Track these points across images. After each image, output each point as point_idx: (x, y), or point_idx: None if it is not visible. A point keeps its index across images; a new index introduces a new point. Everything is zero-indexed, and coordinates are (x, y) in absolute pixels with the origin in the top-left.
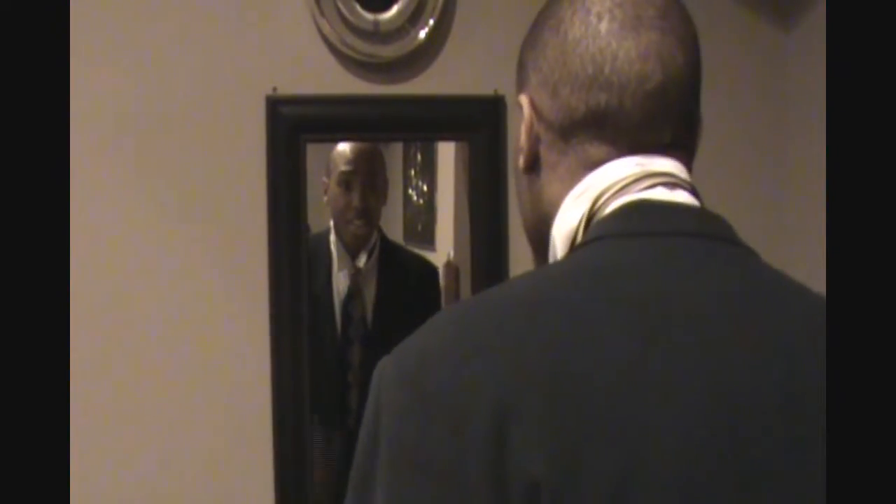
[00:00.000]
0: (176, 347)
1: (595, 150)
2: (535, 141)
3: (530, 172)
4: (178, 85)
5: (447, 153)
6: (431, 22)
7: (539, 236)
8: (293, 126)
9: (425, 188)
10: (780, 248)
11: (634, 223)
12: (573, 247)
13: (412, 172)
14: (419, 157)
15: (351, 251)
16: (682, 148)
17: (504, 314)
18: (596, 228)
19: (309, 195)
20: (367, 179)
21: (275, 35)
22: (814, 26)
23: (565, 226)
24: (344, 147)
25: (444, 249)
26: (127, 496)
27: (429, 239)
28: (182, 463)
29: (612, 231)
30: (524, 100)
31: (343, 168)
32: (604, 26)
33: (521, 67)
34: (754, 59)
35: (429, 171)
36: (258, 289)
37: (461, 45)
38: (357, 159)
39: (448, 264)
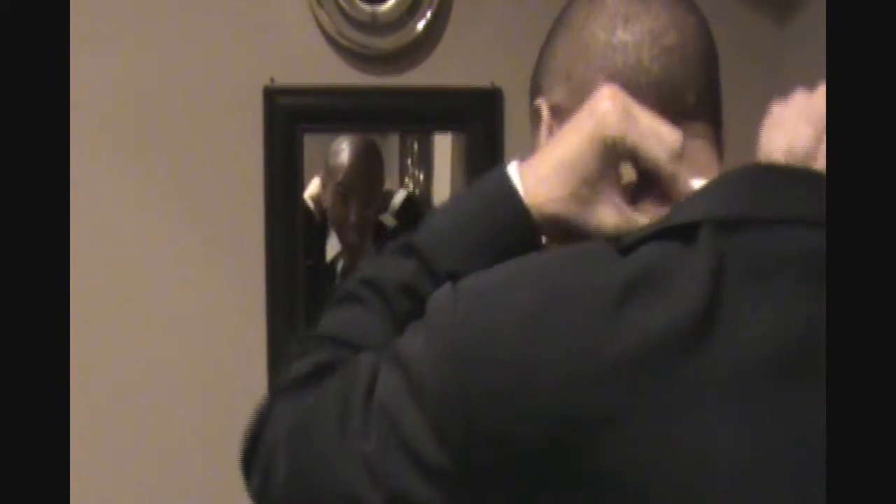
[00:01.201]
0: (172, 337)
1: None
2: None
3: None
4: (175, 75)
5: (444, 143)
6: (429, 14)
7: (566, 233)
8: (290, 116)
9: (422, 178)
10: None
11: (750, 203)
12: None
13: (409, 162)
14: (416, 147)
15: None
16: (708, 118)
17: (594, 295)
18: (698, 203)
19: (305, 185)
20: (364, 194)
21: (273, 26)
22: (809, 21)
23: None
24: (342, 158)
25: None
26: (126, 493)
27: None
28: (179, 452)
29: (719, 214)
30: (542, 103)
31: (340, 179)
32: (610, 2)
33: (534, 84)
34: (749, 55)
35: (425, 161)
36: (255, 278)
37: (458, 37)
38: (355, 173)
39: None
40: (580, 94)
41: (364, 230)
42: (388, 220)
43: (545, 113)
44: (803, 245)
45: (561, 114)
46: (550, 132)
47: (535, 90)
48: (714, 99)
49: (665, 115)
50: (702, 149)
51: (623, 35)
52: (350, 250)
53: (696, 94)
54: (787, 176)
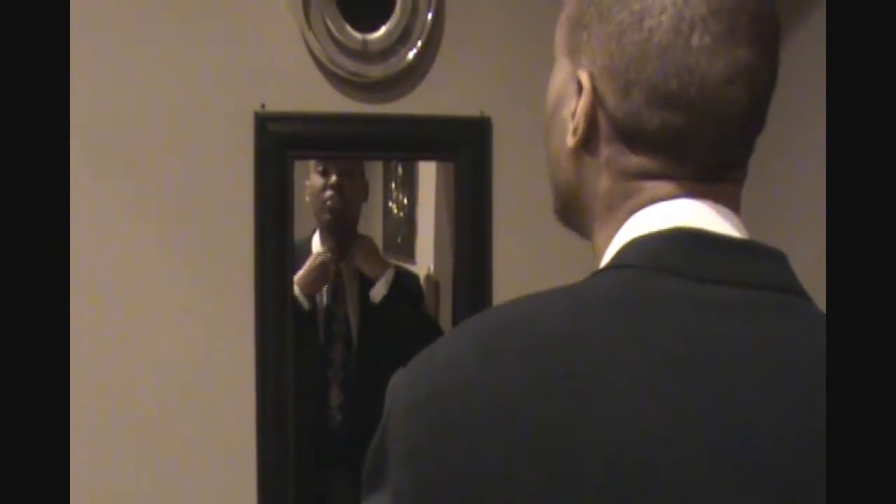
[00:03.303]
0: (163, 358)
1: (657, 164)
2: (592, 125)
3: (578, 150)
4: (166, 99)
5: (428, 168)
6: (420, 43)
7: (572, 201)
8: (281, 143)
9: (405, 201)
10: None
11: (681, 260)
12: (608, 265)
13: (393, 186)
14: (400, 170)
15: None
16: (745, 163)
17: (533, 349)
18: (636, 252)
19: (296, 211)
20: (344, 167)
21: (264, 52)
22: (805, 43)
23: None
24: None
25: (424, 262)
26: (118, 496)
27: (409, 252)
28: (169, 459)
29: (655, 263)
30: (585, 79)
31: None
32: (696, 40)
33: (582, 28)
34: None
35: (409, 184)
36: (244, 303)
37: (448, 67)
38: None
39: (428, 278)
40: (632, 119)
41: (346, 197)
42: (378, 292)
43: (587, 94)
44: (712, 296)
45: (605, 112)
46: (587, 118)
47: (583, 48)
48: (760, 132)
49: (705, 171)
50: (731, 192)
51: (696, 98)
52: (334, 228)
53: (746, 149)
54: (711, 241)
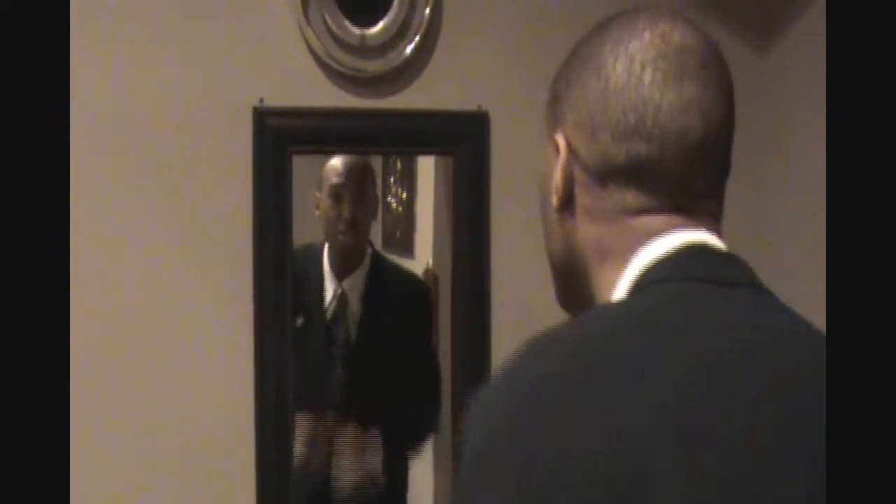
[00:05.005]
0: (161, 356)
1: (632, 197)
2: (570, 181)
3: (562, 211)
4: (165, 95)
5: (427, 162)
6: (417, 38)
7: (568, 268)
8: (279, 137)
9: (404, 196)
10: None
11: (695, 269)
12: (635, 288)
13: (391, 180)
14: (399, 165)
15: (340, 269)
16: (714, 196)
17: (598, 369)
18: (658, 271)
19: (294, 206)
20: (357, 192)
21: (263, 47)
22: (788, 50)
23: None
24: (336, 161)
25: (422, 257)
26: (117, 495)
27: (407, 246)
28: (167, 461)
29: (681, 274)
30: (561, 140)
31: (334, 181)
32: (647, 76)
33: (556, 102)
34: None
35: (408, 179)
36: (243, 299)
37: (446, 61)
38: (348, 173)
39: (427, 272)
40: (601, 159)
41: (358, 228)
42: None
43: (563, 151)
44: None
45: (579, 163)
46: (564, 174)
47: (558, 118)
48: (723, 176)
49: (675, 199)
50: (712, 224)
51: (653, 127)
52: (344, 252)
53: (707, 181)
54: (713, 254)
